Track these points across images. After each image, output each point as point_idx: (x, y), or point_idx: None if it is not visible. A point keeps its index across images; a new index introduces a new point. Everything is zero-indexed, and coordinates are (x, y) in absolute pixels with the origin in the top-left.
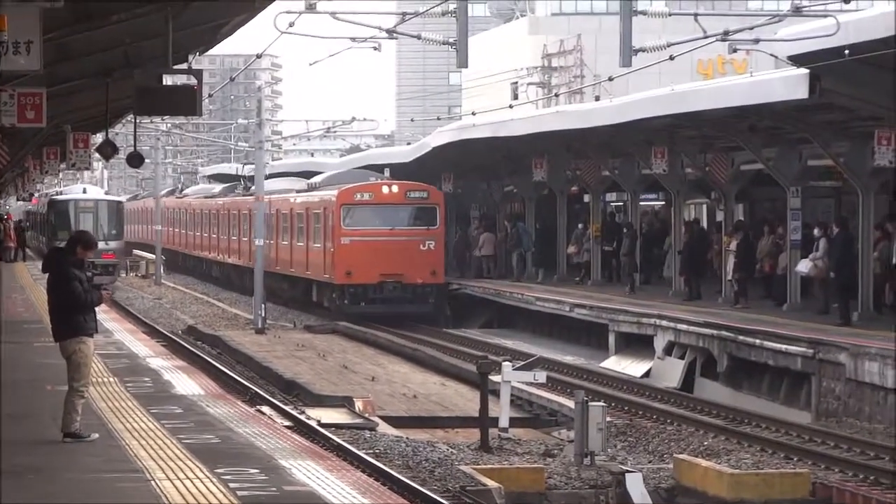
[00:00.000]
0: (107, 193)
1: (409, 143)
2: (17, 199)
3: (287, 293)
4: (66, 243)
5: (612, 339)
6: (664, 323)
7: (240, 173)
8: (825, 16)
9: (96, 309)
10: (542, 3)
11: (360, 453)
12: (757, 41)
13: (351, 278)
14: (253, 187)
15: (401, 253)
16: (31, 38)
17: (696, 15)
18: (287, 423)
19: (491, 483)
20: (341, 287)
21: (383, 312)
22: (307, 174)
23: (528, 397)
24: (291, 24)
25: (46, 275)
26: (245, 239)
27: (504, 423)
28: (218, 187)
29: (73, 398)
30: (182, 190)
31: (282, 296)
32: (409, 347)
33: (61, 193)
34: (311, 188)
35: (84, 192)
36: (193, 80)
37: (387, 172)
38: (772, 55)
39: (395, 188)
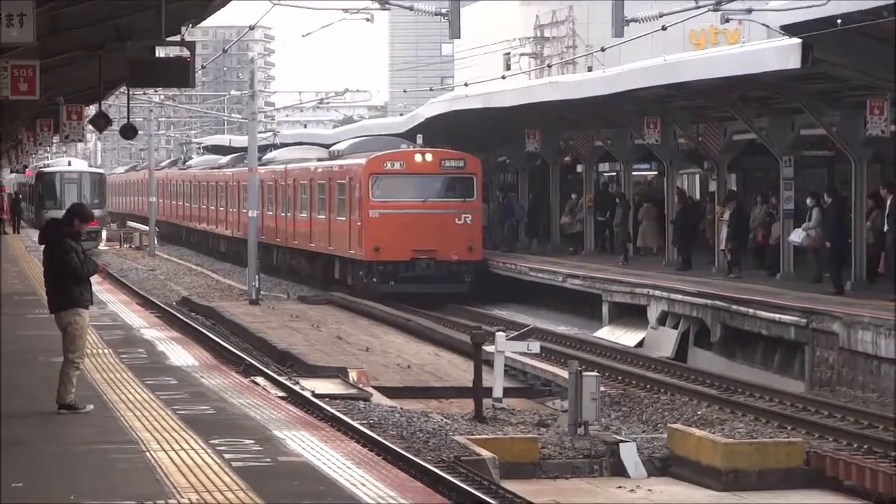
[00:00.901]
0: (90, 166)
1: (401, 115)
2: (11, 172)
3: (306, 269)
4: (63, 215)
5: (605, 309)
6: (657, 293)
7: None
8: None
9: (91, 281)
10: None
11: (355, 424)
12: (749, 11)
13: (380, 255)
14: (267, 156)
15: (435, 227)
16: (24, 11)
17: None
18: (281, 393)
19: (485, 453)
20: (369, 264)
21: (415, 292)
22: (327, 145)
23: (521, 367)
24: None
25: (42, 246)
26: (245, 212)
27: (498, 393)
28: (225, 158)
29: (68, 370)
30: (185, 161)
31: (300, 272)
32: (403, 318)
33: (48, 166)
34: (335, 156)
35: (69, 164)
36: (186, 52)
37: (419, 139)
38: (764, 25)
39: (428, 156)
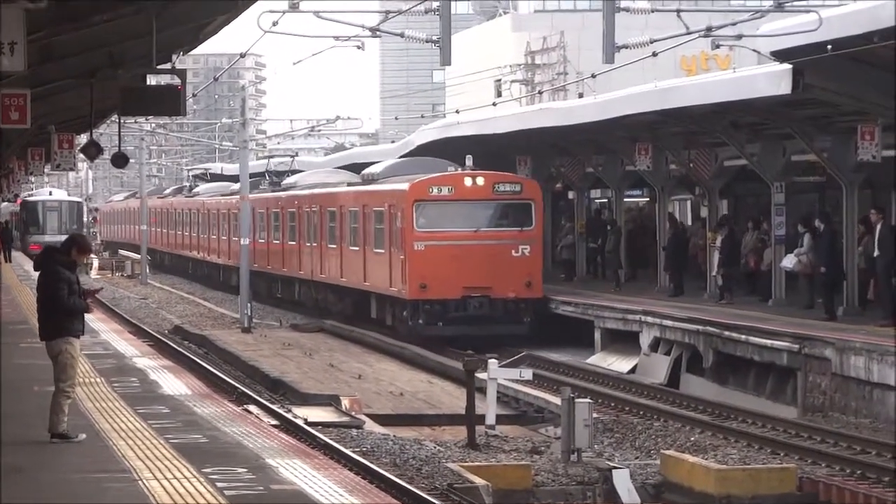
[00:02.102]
0: (69, 195)
1: (393, 142)
2: (3, 201)
3: (335, 306)
4: (62, 243)
5: (597, 335)
6: (650, 319)
7: (267, 168)
8: (808, 11)
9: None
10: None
11: (348, 451)
12: (740, 37)
13: (426, 292)
14: (288, 180)
15: (488, 261)
16: (15, 39)
17: (678, 11)
18: (274, 421)
19: (478, 480)
20: (414, 303)
21: (467, 334)
22: (355, 167)
23: (514, 394)
24: (275, 24)
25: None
26: (276, 242)
27: (491, 420)
28: (236, 184)
29: (59, 399)
30: (192, 188)
31: (330, 309)
32: (396, 346)
33: (32, 195)
34: (369, 180)
35: (50, 194)
36: (177, 80)
37: (469, 161)
38: (755, 51)
39: (480, 180)
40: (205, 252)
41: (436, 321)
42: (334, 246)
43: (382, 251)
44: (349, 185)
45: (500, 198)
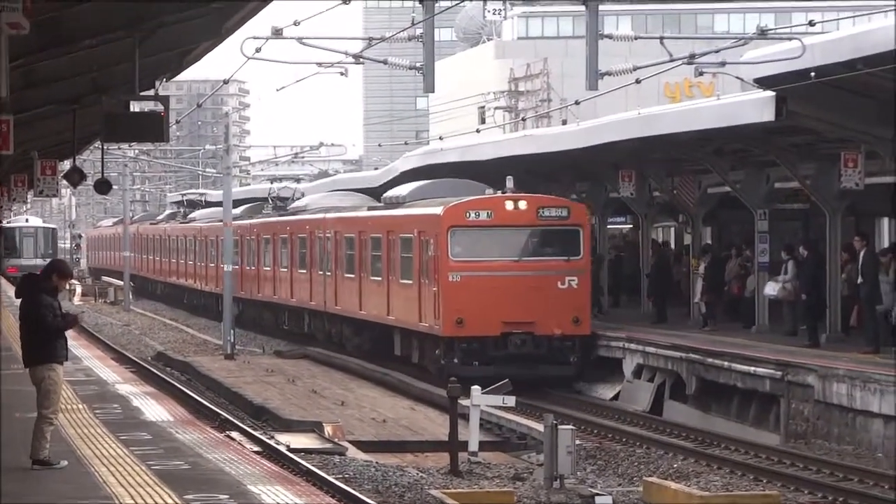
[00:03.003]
0: (45, 222)
1: (376, 168)
2: None
3: (351, 341)
4: (42, 270)
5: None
6: (633, 346)
7: (270, 192)
8: (790, 38)
9: (67, 336)
10: (509, 26)
11: (330, 478)
12: (723, 64)
13: (463, 329)
14: (297, 203)
15: (532, 293)
16: None
17: (661, 38)
18: (256, 448)
19: None
20: (449, 341)
21: (508, 375)
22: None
23: (497, 421)
24: (258, 50)
25: (19, 300)
26: (284, 270)
27: (473, 446)
28: (239, 209)
29: (42, 425)
30: (186, 214)
31: (345, 345)
32: (378, 372)
33: (10, 222)
34: (393, 203)
35: (27, 220)
36: (160, 107)
37: (510, 182)
38: (738, 78)
39: (522, 204)
40: (202, 281)
41: (472, 360)
42: (352, 275)
43: (410, 282)
44: (370, 209)
45: (544, 223)
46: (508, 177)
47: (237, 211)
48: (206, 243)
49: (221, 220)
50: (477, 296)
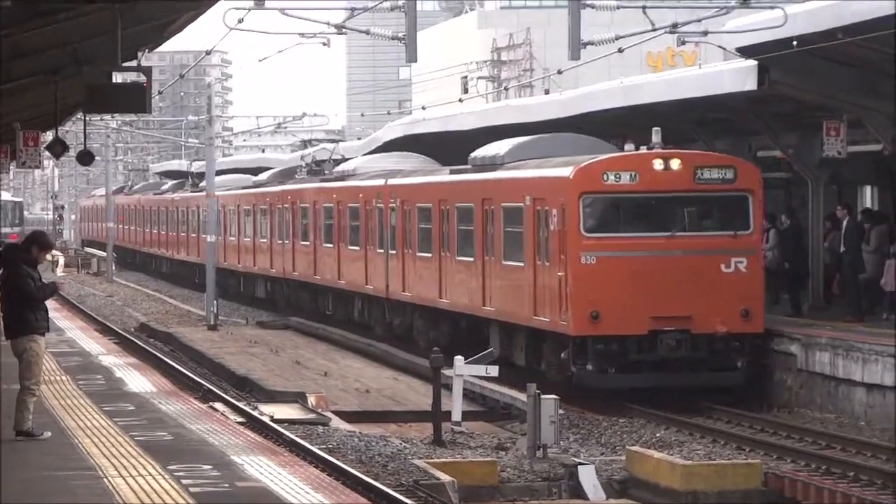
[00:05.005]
0: (12, 196)
1: (359, 139)
2: None
3: (425, 336)
4: (21, 242)
5: None
6: None
7: (305, 161)
8: (773, 7)
9: (48, 307)
10: None
11: (314, 448)
12: (705, 33)
13: (599, 326)
14: (341, 167)
15: (689, 279)
16: None
17: (644, 7)
18: (240, 419)
19: (444, 477)
20: (581, 341)
21: (658, 385)
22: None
23: (480, 391)
24: (240, 21)
25: None
26: (328, 247)
27: (457, 416)
28: (263, 175)
29: (24, 397)
30: (196, 183)
31: (417, 340)
32: (362, 342)
33: None
34: (487, 166)
35: None
36: (143, 78)
37: (656, 136)
38: (720, 47)
39: (675, 163)
40: (238, 256)
41: (610, 365)
42: (428, 255)
43: (520, 264)
44: (453, 171)
45: (704, 188)
46: (655, 129)
47: (263, 177)
48: (225, 214)
49: (245, 188)
50: (617, 283)
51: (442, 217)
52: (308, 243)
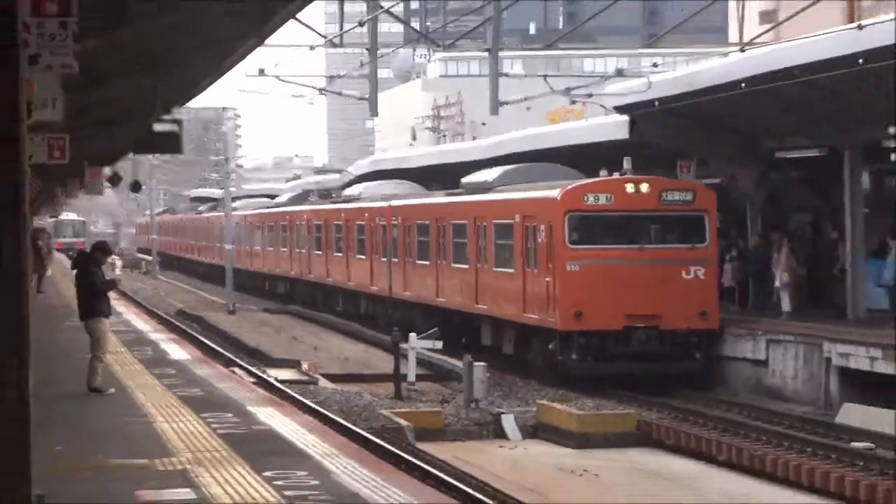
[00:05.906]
0: (78, 217)
1: (339, 173)
2: (50, 217)
3: (423, 327)
4: (90, 249)
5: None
6: None
7: (319, 186)
8: (640, 76)
9: (110, 296)
10: (433, 67)
11: (307, 402)
12: (590, 95)
13: (582, 322)
14: (349, 190)
15: (657, 284)
16: (55, 96)
17: (545, 76)
18: (253, 380)
19: (403, 422)
20: (567, 335)
21: (631, 372)
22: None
23: (429, 359)
24: (247, 79)
25: (75, 270)
26: (338, 255)
27: (412, 378)
28: (283, 196)
29: (94, 362)
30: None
31: (417, 329)
32: (342, 325)
33: (58, 216)
34: (476, 189)
35: (67, 215)
36: (176, 127)
37: (627, 164)
38: (602, 106)
39: (644, 187)
40: (250, 261)
41: (590, 357)
42: (426, 263)
43: (509, 271)
44: (448, 194)
45: (668, 209)
46: (626, 157)
47: (283, 198)
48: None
49: (265, 208)
50: (597, 287)
51: (439, 232)
52: (321, 252)
